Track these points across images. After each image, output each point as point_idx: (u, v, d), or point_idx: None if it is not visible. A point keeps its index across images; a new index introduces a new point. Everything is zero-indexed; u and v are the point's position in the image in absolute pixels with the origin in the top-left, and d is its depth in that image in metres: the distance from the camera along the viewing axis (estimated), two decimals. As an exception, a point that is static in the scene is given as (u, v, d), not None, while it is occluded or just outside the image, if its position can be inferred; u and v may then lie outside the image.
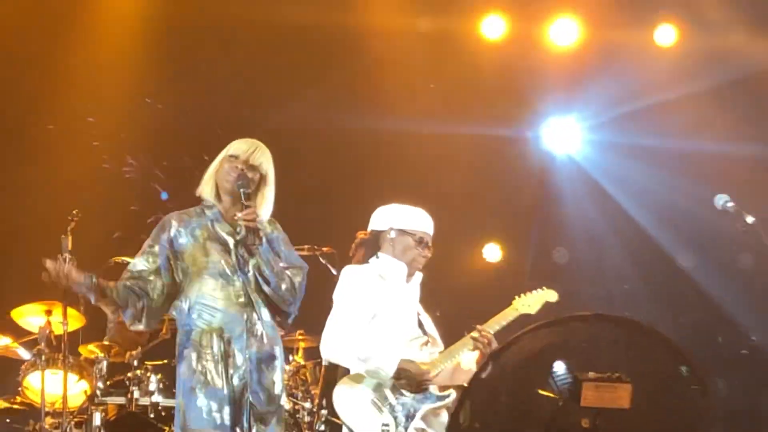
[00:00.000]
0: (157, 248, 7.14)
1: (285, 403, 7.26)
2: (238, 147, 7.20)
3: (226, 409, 6.91)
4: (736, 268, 13.83)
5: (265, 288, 7.05)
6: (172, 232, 7.14)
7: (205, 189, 7.21)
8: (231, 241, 7.11)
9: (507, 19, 13.76)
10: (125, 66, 12.73)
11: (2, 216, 12.04)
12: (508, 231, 14.35)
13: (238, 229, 7.04)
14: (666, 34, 13.78)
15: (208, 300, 7.02)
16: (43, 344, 10.00)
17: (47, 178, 12.06)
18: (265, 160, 7.24)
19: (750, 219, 8.00)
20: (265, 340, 7.09)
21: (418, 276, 8.15)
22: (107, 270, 9.82)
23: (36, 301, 10.19)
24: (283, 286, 7.08)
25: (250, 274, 7.05)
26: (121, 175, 12.80)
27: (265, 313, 7.13)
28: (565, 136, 14.56)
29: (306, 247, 9.20)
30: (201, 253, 7.07)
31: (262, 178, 7.20)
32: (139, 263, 7.12)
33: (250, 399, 6.96)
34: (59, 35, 12.46)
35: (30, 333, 10.31)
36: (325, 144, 13.60)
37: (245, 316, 7.04)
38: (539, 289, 8.12)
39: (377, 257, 8.08)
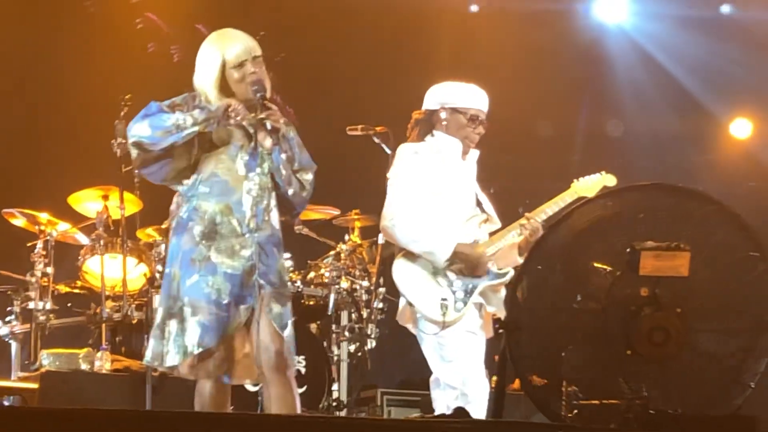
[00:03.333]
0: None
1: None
2: (234, 50, 7.09)
3: (226, 287, 6.95)
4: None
5: (275, 191, 7.17)
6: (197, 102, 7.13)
7: (209, 94, 7.12)
8: (252, 130, 7.13)
9: None
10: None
11: (55, 105, 12.08)
12: (562, 105, 14.18)
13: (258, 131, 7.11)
14: None
15: (223, 176, 7.06)
16: (101, 229, 10.10)
17: (96, 64, 12.03)
18: (255, 43, 7.21)
19: None
20: (276, 226, 7.19)
21: (474, 153, 8.15)
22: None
23: (93, 186, 10.24)
24: (290, 191, 7.17)
25: (266, 170, 7.12)
26: (169, 57, 12.74)
27: (276, 205, 7.21)
28: (615, 7, 14.44)
29: (360, 126, 9.18)
30: (224, 132, 7.09)
31: (261, 63, 7.18)
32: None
33: (260, 280, 7.02)
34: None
35: (87, 218, 10.34)
36: (378, 23, 13.39)
37: (257, 200, 7.09)
38: (598, 174, 8.10)
39: (432, 135, 8.08)
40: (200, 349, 6.88)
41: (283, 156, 7.10)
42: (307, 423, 5.70)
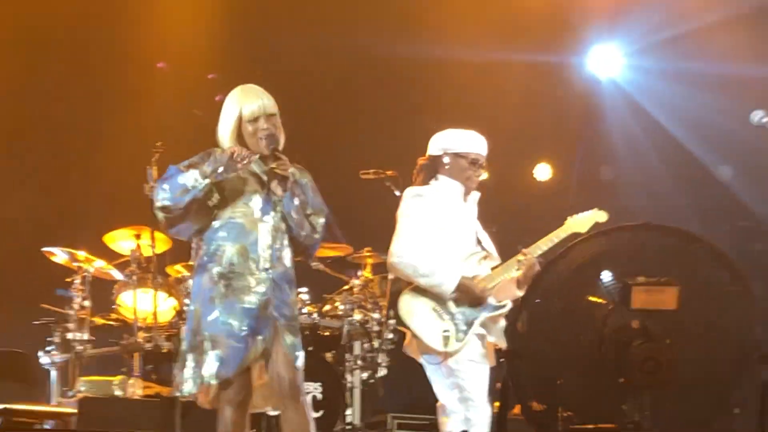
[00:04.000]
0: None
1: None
2: (250, 107, 7.14)
3: (245, 321, 6.96)
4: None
5: (288, 233, 7.17)
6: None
7: (225, 145, 7.16)
8: (265, 177, 7.13)
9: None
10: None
11: (92, 150, 12.09)
12: (557, 152, 14.29)
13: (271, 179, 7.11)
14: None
15: (239, 220, 7.07)
16: (134, 265, 10.17)
17: (131, 112, 12.07)
18: (272, 101, 7.25)
19: None
20: (288, 265, 7.18)
21: (475, 195, 8.15)
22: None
23: (126, 227, 10.30)
24: (302, 234, 7.16)
25: (279, 214, 7.13)
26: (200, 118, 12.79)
27: (289, 245, 7.21)
28: (608, 62, 14.52)
29: (372, 171, 9.24)
30: (240, 181, 7.11)
31: (276, 119, 7.22)
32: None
33: (274, 313, 7.04)
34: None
35: (121, 256, 10.41)
36: (386, 78, 13.45)
37: (271, 242, 7.10)
38: (591, 210, 8.10)
39: (436, 179, 8.10)
40: (217, 381, 6.91)
41: (296, 201, 7.13)
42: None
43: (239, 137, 7.11)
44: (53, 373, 10.15)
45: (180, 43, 12.69)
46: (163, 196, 6.98)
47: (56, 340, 10.11)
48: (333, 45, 12.92)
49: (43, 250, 10.20)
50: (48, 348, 10.16)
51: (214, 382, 6.90)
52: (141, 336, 9.94)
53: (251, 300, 6.99)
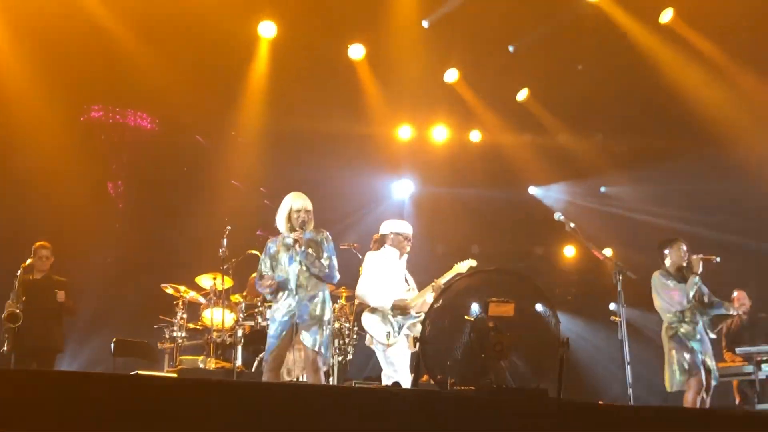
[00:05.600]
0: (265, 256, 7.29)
1: (328, 320, 7.17)
2: (298, 203, 7.22)
3: (279, 328, 7.02)
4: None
5: (307, 272, 7.15)
6: (269, 245, 7.29)
7: (280, 225, 7.25)
8: (291, 241, 7.17)
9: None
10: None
11: (190, 223, 11.83)
12: (448, 239, 13.59)
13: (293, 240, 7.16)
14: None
15: (280, 272, 7.14)
16: (212, 294, 10.08)
17: (206, 205, 11.82)
18: (309, 203, 7.29)
19: (572, 224, 8.02)
20: (309, 289, 7.11)
21: (405, 257, 8.15)
22: (248, 256, 10.01)
23: (207, 273, 10.23)
24: (315, 270, 7.11)
25: (298, 261, 7.13)
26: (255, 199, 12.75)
27: (311, 278, 7.14)
28: None
29: (346, 243, 9.26)
30: (281, 250, 7.21)
31: (309, 212, 7.28)
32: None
33: (297, 321, 7.02)
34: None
35: (204, 289, 10.32)
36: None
37: (298, 278, 7.11)
38: (468, 260, 8.04)
39: (385, 248, 8.12)
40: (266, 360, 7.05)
41: (310, 250, 7.14)
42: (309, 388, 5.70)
43: (288, 221, 7.20)
44: (165, 355, 10.14)
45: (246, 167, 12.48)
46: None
47: (167, 335, 10.06)
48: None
49: (161, 286, 10.21)
50: (162, 340, 10.14)
51: (265, 359, 7.08)
52: (215, 335, 9.85)
53: (284, 315, 7.05)
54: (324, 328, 7.07)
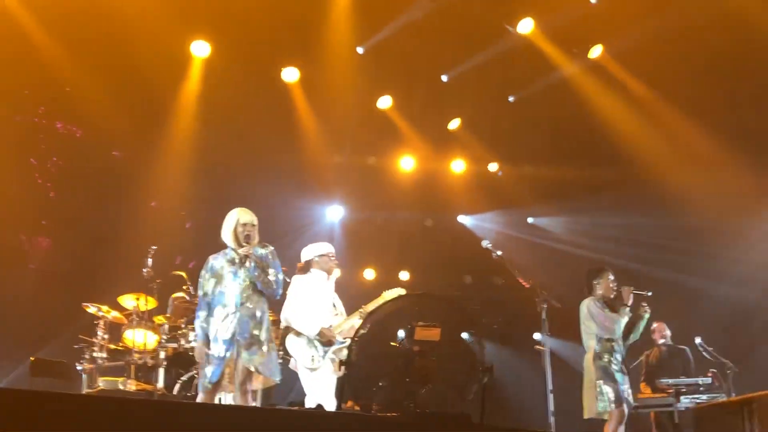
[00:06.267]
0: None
1: (267, 339, 7.12)
2: (245, 217, 7.23)
3: (224, 348, 6.95)
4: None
5: (252, 286, 7.13)
6: (211, 262, 7.24)
7: (227, 239, 7.24)
8: (237, 259, 7.19)
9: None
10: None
11: (112, 245, 11.65)
12: (379, 265, 13.86)
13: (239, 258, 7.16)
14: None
15: (223, 289, 7.10)
16: (134, 315, 9.88)
17: (137, 229, 11.57)
18: (255, 218, 7.29)
19: (499, 252, 8.14)
20: (250, 306, 7.09)
21: (333, 278, 8.19)
22: (172, 277, 9.98)
23: (130, 293, 10.02)
24: (259, 285, 7.11)
25: (245, 277, 7.12)
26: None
27: (252, 295, 7.14)
28: None
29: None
30: (226, 266, 7.18)
31: (255, 227, 7.29)
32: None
33: (238, 338, 6.97)
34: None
35: (127, 309, 10.13)
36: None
37: (241, 296, 7.07)
38: (396, 288, 8.03)
39: (311, 271, 8.13)
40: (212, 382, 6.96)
41: (254, 264, 7.12)
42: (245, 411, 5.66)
43: (235, 236, 7.19)
44: (84, 376, 9.92)
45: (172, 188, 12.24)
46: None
47: (87, 356, 9.84)
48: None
49: (82, 304, 10.00)
50: (81, 360, 9.92)
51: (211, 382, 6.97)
52: (136, 356, 9.67)
53: (227, 332, 6.98)
54: (263, 347, 7.04)
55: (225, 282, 7.12)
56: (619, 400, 8.16)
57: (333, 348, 7.88)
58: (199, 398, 7.04)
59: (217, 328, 7.04)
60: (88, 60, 10.69)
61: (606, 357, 8.27)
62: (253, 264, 7.10)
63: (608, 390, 8.17)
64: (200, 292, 7.23)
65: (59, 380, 9.78)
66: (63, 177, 11.88)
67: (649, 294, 8.48)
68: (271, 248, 7.33)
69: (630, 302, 8.40)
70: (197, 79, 11.55)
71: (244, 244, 7.13)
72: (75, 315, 10.28)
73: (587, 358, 8.39)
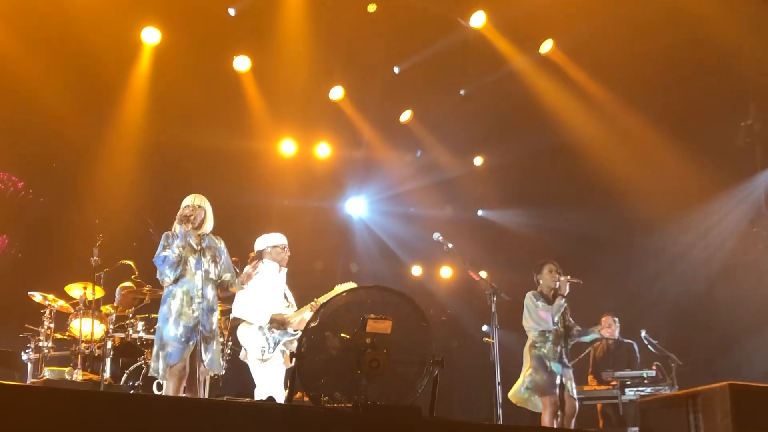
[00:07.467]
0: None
1: (217, 334, 7.17)
2: (186, 201, 7.25)
3: (182, 331, 6.93)
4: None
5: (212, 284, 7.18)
6: (180, 230, 7.15)
7: (176, 228, 7.19)
8: (197, 247, 7.19)
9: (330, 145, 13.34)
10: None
11: (59, 233, 11.47)
12: (327, 257, 13.66)
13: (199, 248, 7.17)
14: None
15: (186, 274, 7.07)
16: (81, 304, 9.78)
17: (84, 215, 11.39)
18: (203, 202, 7.29)
19: (450, 245, 8.23)
20: (210, 299, 7.13)
21: (284, 270, 8.19)
22: (119, 267, 9.87)
23: (78, 282, 9.90)
24: (233, 290, 7.35)
25: (205, 269, 7.14)
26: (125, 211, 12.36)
27: (212, 288, 7.18)
28: (358, 206, 14.05)
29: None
30: (188, 248, 7.15)
31: (206, 213, 7.29)
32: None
33: (201, 330, 6.99)
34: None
35: (74, 298, 10.04)
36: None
37: (201, 286, 7.09)
38: (348, 282, 8.11)
39: (263, 262, 8.11)
40: (171, 365, 6.90)
41: (212, 265, 7.17)
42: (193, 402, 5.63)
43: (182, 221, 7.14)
44: (29, 366, 9.81)
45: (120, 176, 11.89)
46: (170, 274, 7.05)
47: (32, 345, 9.74)
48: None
49: (29, 294, 9.89)
50: (26, 350, 9.82)
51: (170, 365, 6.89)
52: (83, 346, 9.59)
53: (188, 321, 6.97)
54: (217, 343, 7.13)
55: (189, 266, 7.11)
56: (550, 389, 8.25)
57: (284, 339, 7.89)
58: (171, 385, 6.97)
59: (180, 310, 7.01)
60: (39, 46, 10.52)
61: (542, 347, 8.39)
62: (209, 257, 7.16)
63: (537, 380, 8.28)
64: (169, 251, 7.11)
65: (3, 369, 9.67)
66: (9, 164, 11.68)
67: (581, 282, 8.60)
68: (222, 242, 7.36)
69: (566, 292, 8.54)
70: (147, 66, 11.43)
71: (183, 224, 7.12)
72: (21, 304, 10.12)
73: (525, 347, 8.53)
